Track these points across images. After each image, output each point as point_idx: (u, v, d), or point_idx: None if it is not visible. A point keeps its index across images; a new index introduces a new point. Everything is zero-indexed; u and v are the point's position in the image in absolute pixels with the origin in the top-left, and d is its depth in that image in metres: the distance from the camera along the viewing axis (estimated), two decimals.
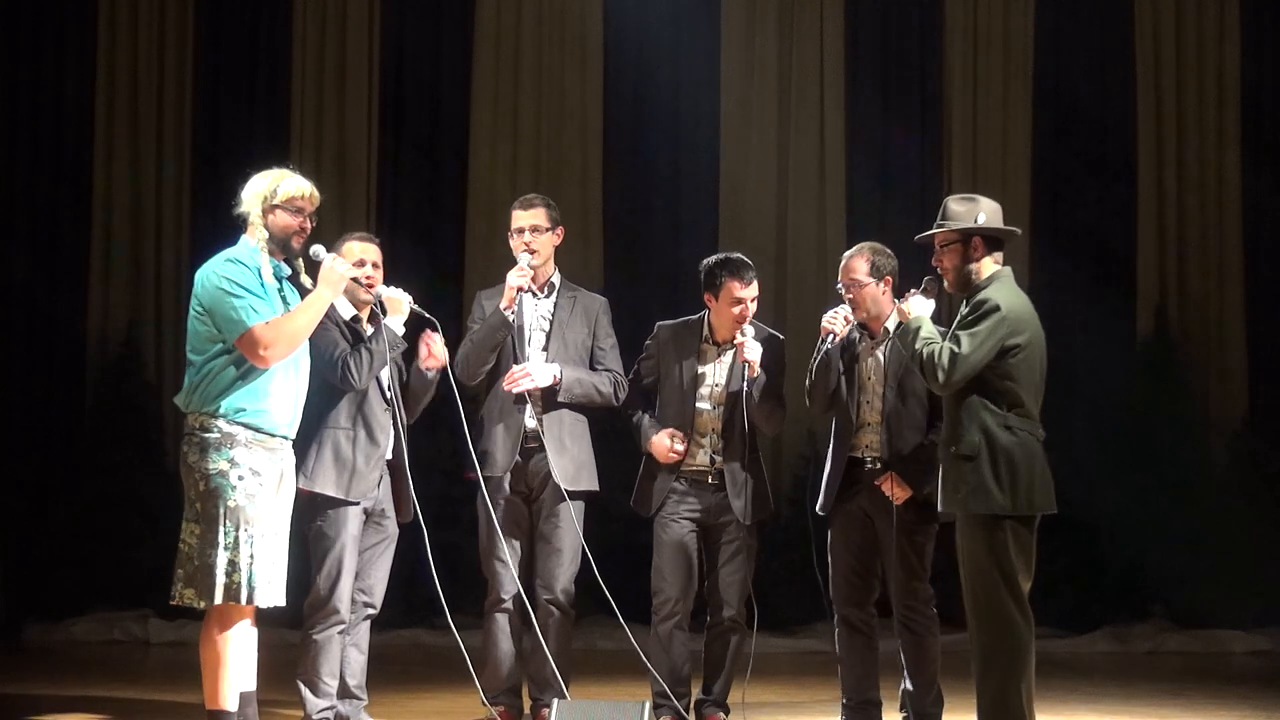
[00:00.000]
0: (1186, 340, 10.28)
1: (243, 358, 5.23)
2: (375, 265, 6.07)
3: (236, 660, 5.25)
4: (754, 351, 6.11)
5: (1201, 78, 10.47)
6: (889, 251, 6.11)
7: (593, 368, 6.38)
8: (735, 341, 6.18)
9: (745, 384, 6.14)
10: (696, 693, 6.35)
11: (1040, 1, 10.50)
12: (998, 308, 5.43)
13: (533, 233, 6.30)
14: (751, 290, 6.19)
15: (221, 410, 5.22)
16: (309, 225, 5.45)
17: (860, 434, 6.09)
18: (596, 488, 6.38)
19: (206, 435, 5.21)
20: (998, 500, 5.39)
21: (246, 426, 5.23)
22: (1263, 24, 10.44)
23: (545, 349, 6.29)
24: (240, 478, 5.20)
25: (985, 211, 5.61)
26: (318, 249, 5.67)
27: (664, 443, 6.22)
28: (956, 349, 5.40)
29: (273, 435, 5.30)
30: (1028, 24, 10.50)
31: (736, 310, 6.16)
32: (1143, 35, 10.47)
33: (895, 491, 5.94)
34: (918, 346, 5.51)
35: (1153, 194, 10.42)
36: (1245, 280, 10.40)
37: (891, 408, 6.04)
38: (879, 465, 6.03)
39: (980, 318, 5.43)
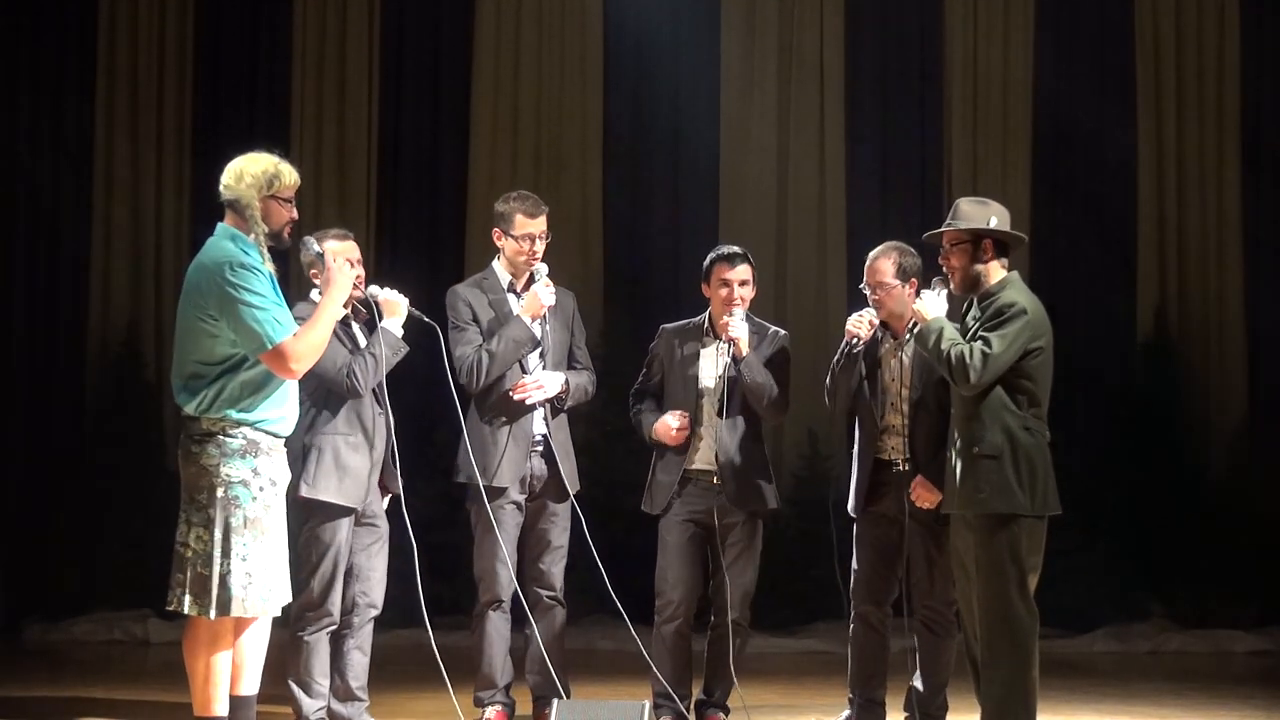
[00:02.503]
0: (1186, 340, 10.28)
1: (263, 367, 5.08)
2: (360, 263, 6.03)
3: (227, 666, 5.17)
4: (738, 329, 6.12)
5: (1201, 77, 10.45)
6: (914, 252, 6.10)
7: (570, 365, 6.39)
8: (719, 324, 6.20)
9: (730, 362, 6.15)
10: (697, 693, 6.34)
11: (1040, 3, 10.50)
12: (1024, 310, 5.50)
13: (541, 239, 6.26)
14: (738, 274, 6.20)
15: (250, 419, 5.07)
16: (296, 215, 5.30)
17: (885, 436, 6.07)
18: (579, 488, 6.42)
19: (229, 441, 5.05)
20: (1020, 500, 5.45)
21: (268, 433, 5.13)
22: (1263, 24, 10.43)
23: (542, 356, 6.26)
24: (261, 488, 5.08)
25: (997, 215, 5.67)
26: (309, 240, 5.59)
27: (668, 422, 6.22)
28: (988, 349, 5.44)
29: (284, 438, 5.25)
30: (1028, 23, 10.49)
31: (724, 293, 6.19)
32: (1143, 35, 10.46)
33: (924, 496, 5.93)
34: (944, 348, 5.52)
35: (1153, 194, 10.42)
36: (1245, 280, 10.39)
37: (917, 410, 6.03)
38: (906, 468, 6.02)
39: (1008, 320, 5.48)
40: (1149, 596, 9.77)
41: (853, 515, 6.18)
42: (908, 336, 6.06)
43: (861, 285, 6.13)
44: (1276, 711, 7.18)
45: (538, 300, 6.17)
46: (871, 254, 6.14)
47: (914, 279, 6.06)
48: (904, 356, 6.08)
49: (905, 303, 6.02)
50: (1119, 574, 9.64)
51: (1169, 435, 9.85)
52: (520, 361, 6.21)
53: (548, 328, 6.25)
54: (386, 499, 6.13)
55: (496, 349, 6.14)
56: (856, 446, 6.18)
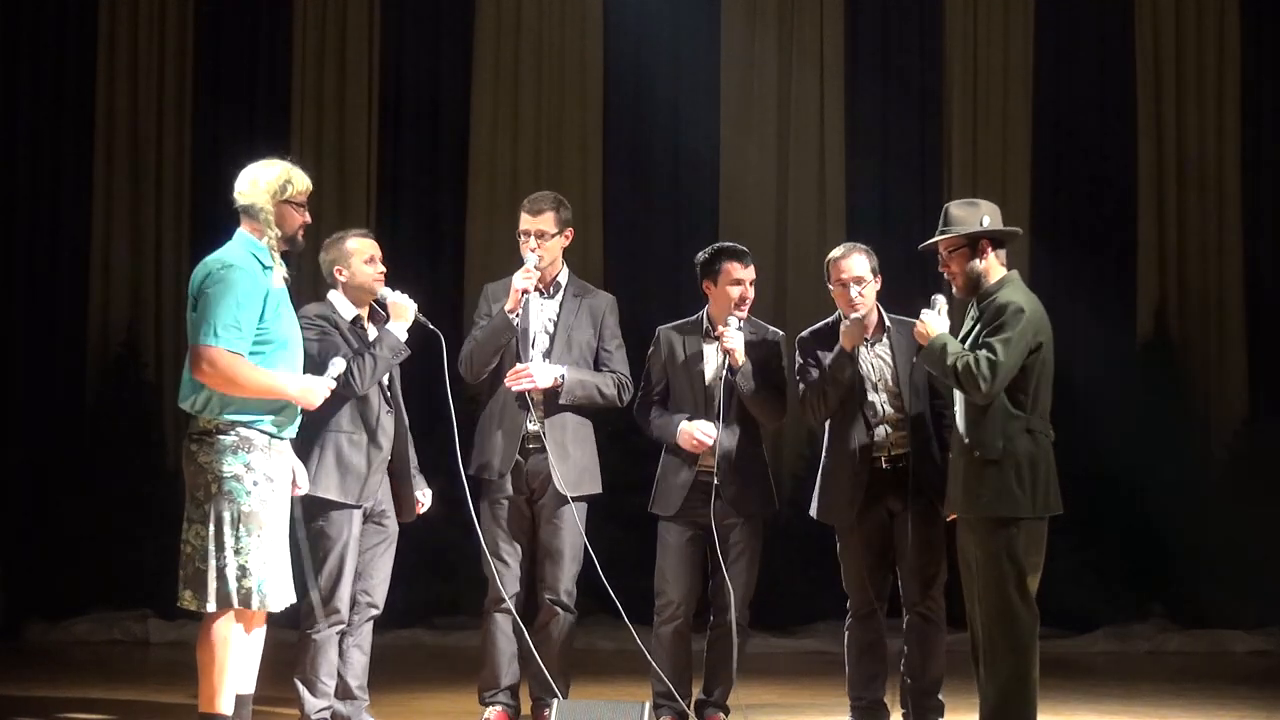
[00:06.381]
0: (1186, 340, 10.29)
1: (264, 366, 5.15)
2: (378, 260, 6.08)
3: (237, 665, 5.19)
4: (733, 340, 6.10)
5: (1201, 78, 10.46)
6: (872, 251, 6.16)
7: (598, 368, 6.35)
8: (715, 332, 6.17)
9: (727, 373, 6.12)
10: (697, 693, 6.34)
11: (1040, 2, 10.50)
12: (1022, 310, 5.50)
13: (538, 238, 6.25)
14: (750, 272, 6.19)
15: (243, 418, 5.13)
16: (309, 219, 5.40)
17: (877, 434, 6.05)
18: (599, 490, 6.36)
19: (222, 438, 5.12)
20: (1021, 503, 5.46)
21: (263, 433, 5.17)
22: (1262, 24, 10.44)
23: (548, 352, 6.25)
24: (255, 483, 5.13)
25: (988, 214, 5.66)
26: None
27: (694, 434, 6.14)
28: (994, 356, 5.43)
29: (284, 440, 5.28)
30: (1027, 24, 10.50)
31: (736, 292, 6.15)
32: (1143, 35, 10.47)
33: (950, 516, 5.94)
34: (950, 362, 5.51)
35: (1153, 194, 10.42)
36: (1245, 280, 10.39)
37: (910, 405, 6.03)
38: (900, 464, 6.00)
39: (1008, 322, 5.48)
40: (1149, 596, 9.77)
41: (829, 523, 6.17)
42: (879, 335, 6.09)
43: (831, 283, 6.11)
44: (1276, 711, 7.18)
45: (513, 287, 6.19)
46: (839, 253, 6.12)
47: (879, 275, 6.10)
48: (882, 353, 6.09)
49: (873, 299, 6.08)
50: (1119, 574, 9.64)
51: (1169, 435, 9.84)
52: (518, 353, 6.21)
53: (531, 312, 6.22)
54: (424, 505, 6.19)
55: (478, 336, 6.21)
56: (843, 449, 6.06)
